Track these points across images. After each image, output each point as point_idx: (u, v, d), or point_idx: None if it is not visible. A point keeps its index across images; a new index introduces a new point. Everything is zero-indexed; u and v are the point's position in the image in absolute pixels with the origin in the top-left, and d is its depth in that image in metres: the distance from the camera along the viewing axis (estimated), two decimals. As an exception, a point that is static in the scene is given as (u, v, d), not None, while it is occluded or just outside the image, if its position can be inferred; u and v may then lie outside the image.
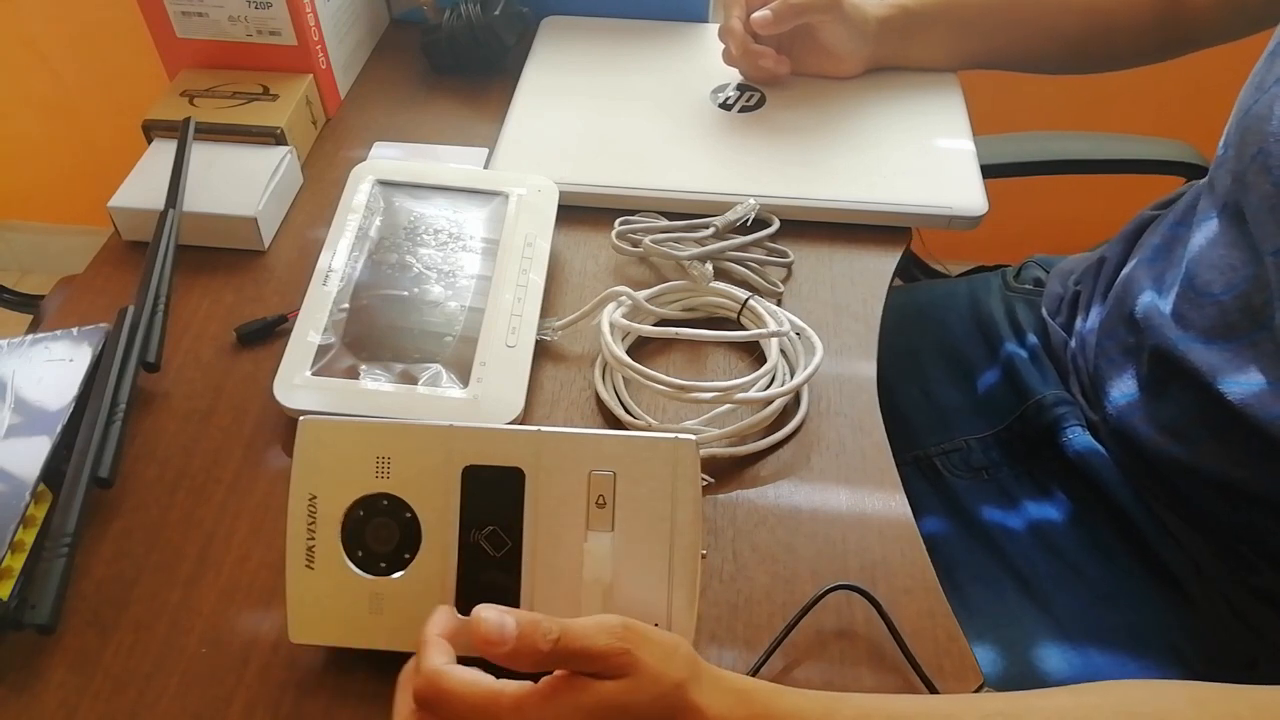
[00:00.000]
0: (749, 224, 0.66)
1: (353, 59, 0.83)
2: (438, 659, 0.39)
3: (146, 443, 0.56)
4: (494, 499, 0.44)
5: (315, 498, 0.44)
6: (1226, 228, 0.56)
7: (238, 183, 0.67)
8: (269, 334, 0.62)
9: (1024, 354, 0.71)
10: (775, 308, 0.60)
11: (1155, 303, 0.60)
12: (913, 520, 0.52)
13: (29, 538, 0.49)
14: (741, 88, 0.78)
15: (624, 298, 0.60)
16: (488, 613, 0.38)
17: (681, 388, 0.55)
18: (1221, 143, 0.59)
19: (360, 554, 0.44)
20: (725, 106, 0.76)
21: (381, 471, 0.44)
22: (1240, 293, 0.54)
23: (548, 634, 0.37)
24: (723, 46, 0.77)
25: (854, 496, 0.54)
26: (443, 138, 0.76)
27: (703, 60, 0.80)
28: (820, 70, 0.78)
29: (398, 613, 0.44)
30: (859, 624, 0.48)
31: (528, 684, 0.37)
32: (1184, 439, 0.57)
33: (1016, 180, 0.87)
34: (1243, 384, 0.53)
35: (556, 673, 0.38)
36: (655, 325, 0.60)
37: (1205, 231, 0.58)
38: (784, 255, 0.66)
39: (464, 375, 0.56)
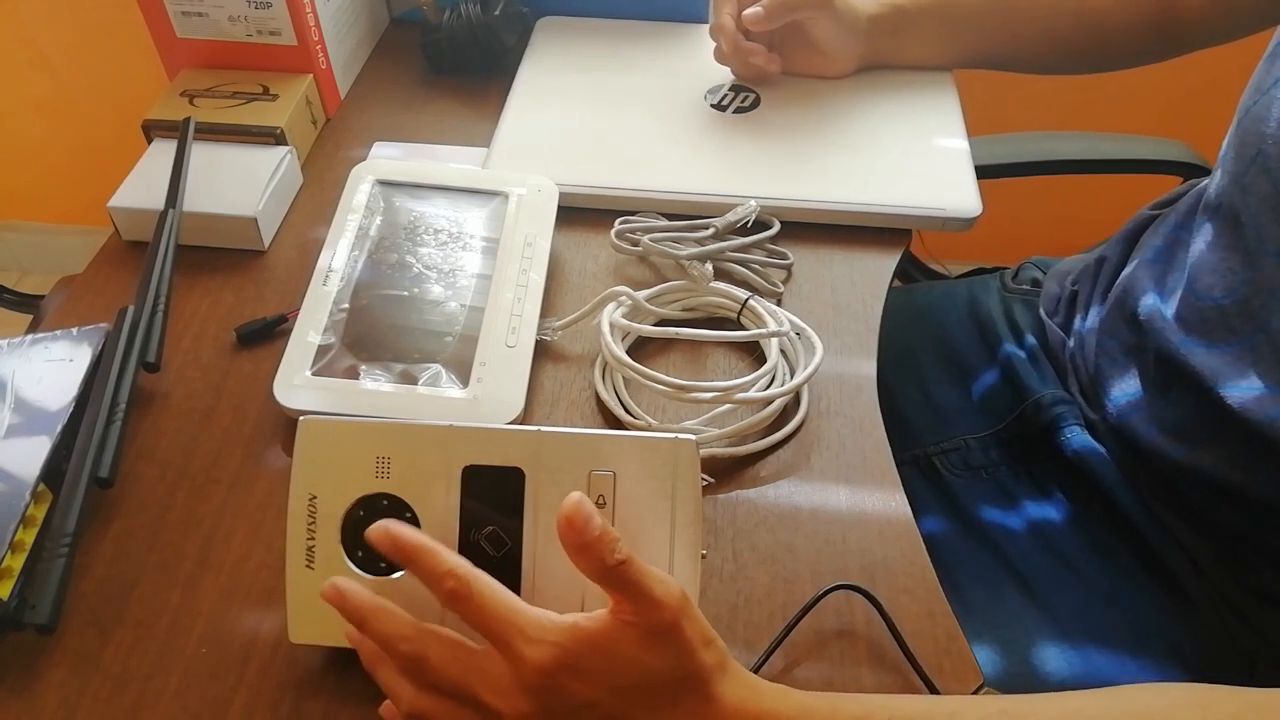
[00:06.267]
0: (749, 225, 0.66)
1: (353, 59, 0.83)
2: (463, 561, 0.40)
3: (146, 443, 0.56)
4: (494, 499, 0.44)
5: (315, 498, 0.44)
6: (1223, 231, 0.56)
7: (238, 183, 0.67)
8: (269, 334, 0.62)
9: (1022, 354, 0.71)
10: (775, 308, 0.60)
11: (1158, 306, 0.60)
12: (913, 520, 0.52)
13: (29, 538, 0.49)
14: (736, 88, 0.78)
15: (624, 298, 0.60)
16: (586, 503, 0.39)
17: (681, 388, 0.55)
18: (1223, 144, 0.59)
19: (360, 554, 0.44)
20: (719, 107, 0.76)
21: (381, 471, 0.44)
22: (1240, 297, 0.54)
23: (616, 553, 0.38)
24: (714, 44, 0.77)
25: (854, 496, 0.54)
26: (442, 138, 0.76)
27: (697, 61, 0.80)
28: (811, 69, 0.78)
29: (398, 613, 0.44)
30: (859, 624, 0.48)
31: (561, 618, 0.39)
32: (1185, 440, 0.57)
33: (1015, 180, 0.87)
34: (1242, 388, 0.53)
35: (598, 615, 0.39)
36: (655, 325, 0.60)
37: (1204, 235, 0.58)
38: (784, 257, 0.66)
39: (464, 375, 0.56)
